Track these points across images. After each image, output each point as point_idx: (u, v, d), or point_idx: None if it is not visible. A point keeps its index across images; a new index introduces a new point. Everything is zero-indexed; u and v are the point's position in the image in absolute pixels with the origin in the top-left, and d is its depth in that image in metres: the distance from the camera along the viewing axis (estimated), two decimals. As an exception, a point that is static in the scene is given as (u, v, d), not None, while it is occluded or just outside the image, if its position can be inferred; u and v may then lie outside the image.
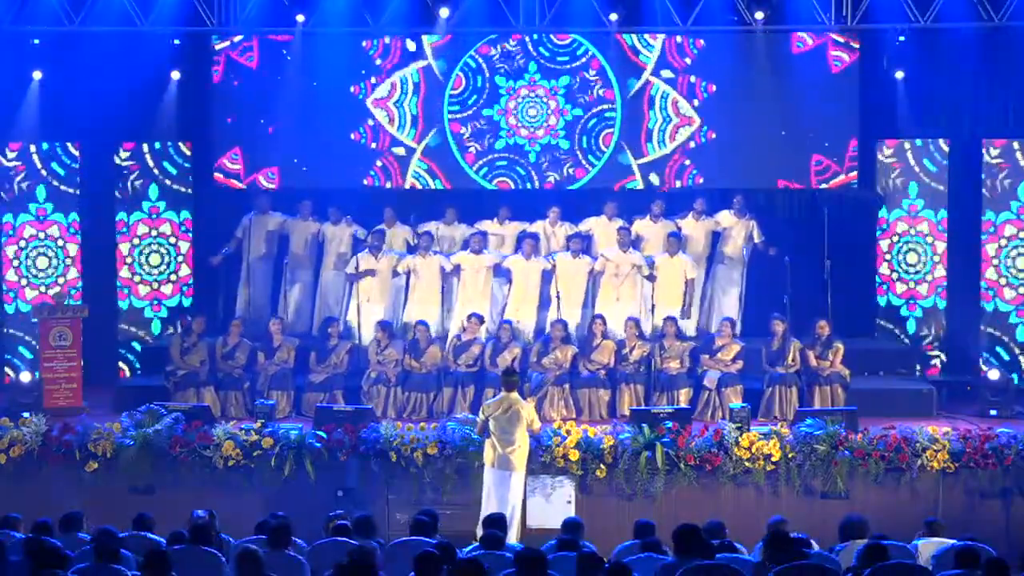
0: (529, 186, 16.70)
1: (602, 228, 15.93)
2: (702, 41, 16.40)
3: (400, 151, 16.67)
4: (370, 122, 16.64)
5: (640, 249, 15.70)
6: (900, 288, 16.49)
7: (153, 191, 16.64)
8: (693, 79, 16.50)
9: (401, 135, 16.71)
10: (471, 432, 13.01)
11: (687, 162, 16.58)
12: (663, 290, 15.30)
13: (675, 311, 15.19)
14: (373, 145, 16.70)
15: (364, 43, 16.52)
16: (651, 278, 15.33)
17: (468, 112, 16.66)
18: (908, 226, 16.43)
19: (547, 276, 15.48)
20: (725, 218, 16.03)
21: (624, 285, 15.43)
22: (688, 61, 16.48)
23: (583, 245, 15.58)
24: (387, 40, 16.53)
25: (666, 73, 16.50)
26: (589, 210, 16.13)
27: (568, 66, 16.58)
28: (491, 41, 16.58)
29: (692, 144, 16.55)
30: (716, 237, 16.12)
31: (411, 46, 16.57)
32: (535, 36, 16.46)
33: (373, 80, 16.61)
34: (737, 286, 16.06)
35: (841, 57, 16.30)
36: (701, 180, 16.54)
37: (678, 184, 16.57)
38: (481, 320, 15.03)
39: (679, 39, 16.38)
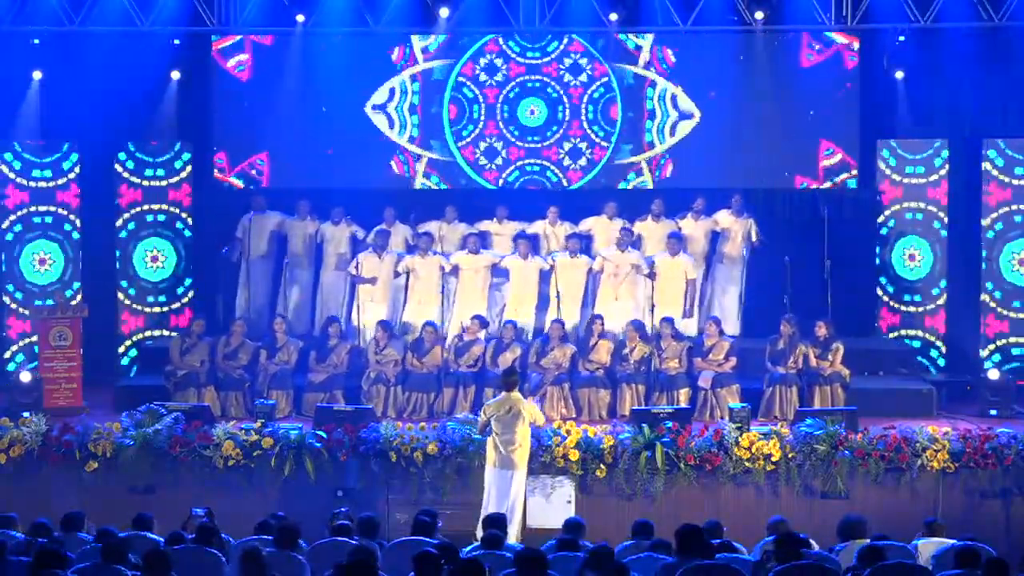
0: (533, 187, 16.73)
1: (602, 228, 15.91)
2: (700, 45, 16.39)
3: (411, 146, 16.67)
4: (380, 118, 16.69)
5: (641, 249, 15.69)
6: (900, 288, 16.49)
7: (153, 191, 16.64)
8: (690, 81, 16.53)
9: (402, 140, 16.70)
10: (471, 432, 13.02)
11: (686, 160, 16.57)
12: (663, 290, 15.27)
13: (676, 311, 15.17)
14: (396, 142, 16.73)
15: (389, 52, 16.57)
16: (651, 276, 15.31)
17: (467, 112, 16.66)
18: (908, 226, 16.42)
19: (545, 276, 15.46)
20: (724, 218, 16.02)
21: (623, 285, 15.41)
22: (675, 60, 16.47)
23: (581, 245, 15.56)
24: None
25: (663, 71, 16.50)
26: (591, 210, 16.10)
27: (566, 65, 16.58)
28: (488, 42, 16.56)
29: (692, 140, 16.51)
30: (715, 237, 16.11)
31: (418, 46, 16.57)
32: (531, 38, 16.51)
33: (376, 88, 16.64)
34: (736, 285, 16.04)
35: (843, 59, 16.32)
36: (697, 179, 16.53)
37: (669, 176, 16.59)
38: (484, 323, 15.01)
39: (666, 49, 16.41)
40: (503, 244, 15.88)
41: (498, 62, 16.64)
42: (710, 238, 16.06)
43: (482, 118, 16.67)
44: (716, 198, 16.09)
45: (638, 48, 16.50)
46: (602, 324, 14.84)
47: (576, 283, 15.38)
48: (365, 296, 15.31)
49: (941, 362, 16.40)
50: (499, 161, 16.69)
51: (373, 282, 15.38)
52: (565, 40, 16.53)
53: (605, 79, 16.54)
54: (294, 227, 16.21)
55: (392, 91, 16.68)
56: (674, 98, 16.53)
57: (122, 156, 16.54)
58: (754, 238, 15.87)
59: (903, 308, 16.48)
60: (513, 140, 16.68)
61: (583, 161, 16.64)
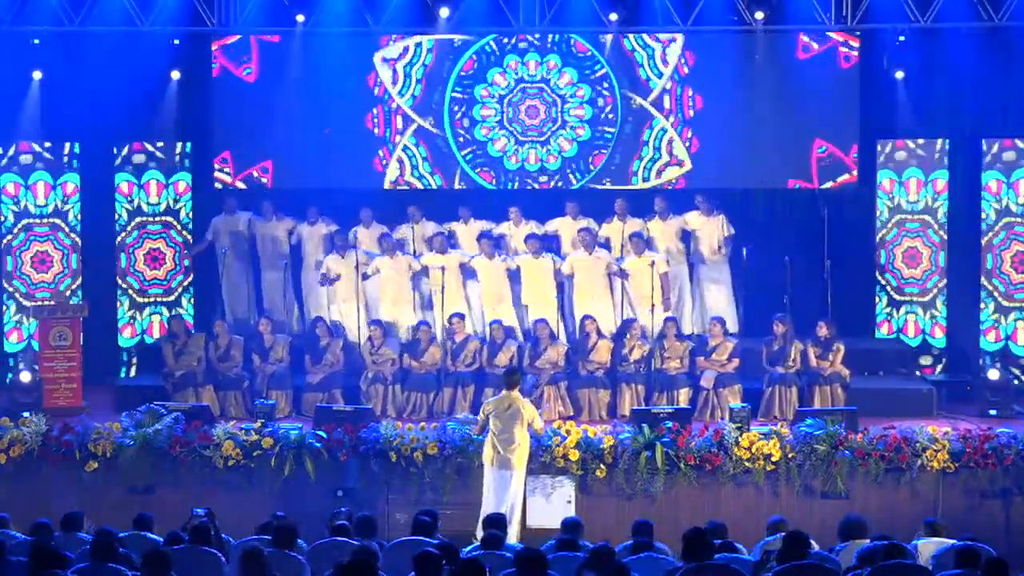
0: (535, 186, 16.71)
1: (567, 228, 15.88)
2: (699, 46, 16.34)
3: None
4: (373, 111, 16.60)
5: (609, 249, 15.65)
6: (900, 288, 16.49)
7: (152, 191, 16.64)
8: (688, 91, 16.50)
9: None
10: (471, 432, 13.02)
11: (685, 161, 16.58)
12: (637, 289, 15.24)
13: (658, 308, 15.10)
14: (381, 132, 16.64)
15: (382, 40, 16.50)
16: (622, 274, 15.28)
17: (468, 111, 16.64)
18: (908, 225, 16.42)
19: (514, 275, 15.45)
20: (693, 219, 15.95)
21: (598, 285, 15.38)
22: (687, 64, 16.44)
23: (541, 245, 15.45)
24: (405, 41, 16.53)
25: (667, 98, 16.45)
26: (591, 210, 16.07)
27: (574, 72, 16.56)
28: (495, 40, 16.54)
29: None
30: (691, 239, 16.05)
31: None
32: (536, 37, 16.47)
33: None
34: (723, 284, 15.99)
35: (847, 55, 16.29)
36: (697, 179, 16.50)
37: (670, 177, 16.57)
38: (462, 318, 15.00)
39: (680, 39, 16.36)
40: (472, 244, 15.81)
41: (505, 60, 16.62)
42: (682, 237, 16.00)
43: (481, 117, 16.64)
44: (717, 198, 16.05)
45: (644, 61, 16.42)
46: (596, 323, 14.81)
47: (541, 284, 15.28)
48: (339, 296, 15.33)
49: (941, 362, 16.38)
50: (496, 159, 16.68)
51: (337, 279, 15.35)
52: (584, 50, 16.48)
53: (606, 82, 16.53)
54: (262, 228, 16.20)
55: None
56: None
57: (121, 156, 16.52)
58: (725, 233, 15.84)
59: (903, 308, 16.47)
60: (514, 140, 16.65)
61: (583, 163, 16.65)
